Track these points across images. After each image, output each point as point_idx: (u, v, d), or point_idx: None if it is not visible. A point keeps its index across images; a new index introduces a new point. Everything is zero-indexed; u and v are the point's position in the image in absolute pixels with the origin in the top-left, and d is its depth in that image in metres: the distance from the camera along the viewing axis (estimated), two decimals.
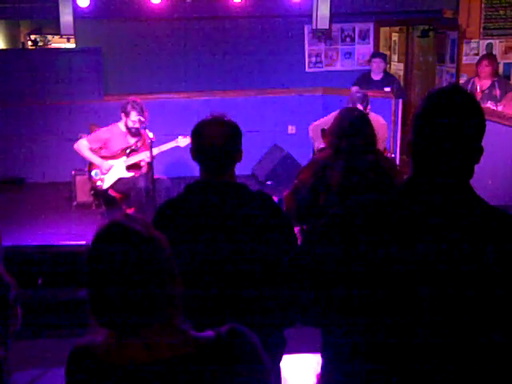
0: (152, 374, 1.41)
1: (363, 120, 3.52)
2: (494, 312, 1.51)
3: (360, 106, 5.32)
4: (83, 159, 6.10)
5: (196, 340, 1.47)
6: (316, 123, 5.81)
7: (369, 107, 5.43)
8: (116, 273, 1.41)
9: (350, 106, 5.36)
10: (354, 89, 6.08)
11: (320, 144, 5.48)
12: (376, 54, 7.99)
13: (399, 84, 8.12)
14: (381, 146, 5.34)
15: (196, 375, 1.42)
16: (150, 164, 5.58)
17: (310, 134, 5.86)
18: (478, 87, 6.83)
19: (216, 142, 2.34)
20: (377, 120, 5.54)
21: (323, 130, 5.50)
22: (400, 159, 7.26)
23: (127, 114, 5.81)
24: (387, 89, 7.55)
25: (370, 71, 7.83)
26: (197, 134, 2.40)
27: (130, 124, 5.82)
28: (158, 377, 1.41)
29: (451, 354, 1.52)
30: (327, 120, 5.29)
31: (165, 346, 1.43)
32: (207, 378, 1.43)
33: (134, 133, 5.89)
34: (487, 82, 6.87)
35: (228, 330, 1.50)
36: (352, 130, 3.40)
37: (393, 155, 6.43)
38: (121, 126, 5.94)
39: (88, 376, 1.46)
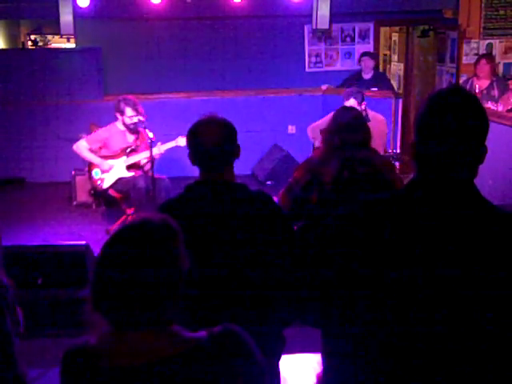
0: (146, 375, 1.41)
1: (358, 118, 3.57)
2: (498, 314, 1.51)
3: (354, 100, 5.33)
4: (83, 159, 6.11)
5: (189, 340, 1.47)
6: (315, 124, 5.82)
7: (364, 103, 5.44)
8: (130, 265, 1.42)
9: (345, 100, 5.37)
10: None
11: (320, 144, 5.49)
12: (364, 52, 8.07)
13: (388, 82, 8.18)
14: (381, 141, 5.34)
15: (190, 376, 1.42)
16: (150, 164, 5.58)
17: (309, 134, 5.88)
18: (477, 87, 6.83)
19: (214, 140, 2.34)
20: (375, 117, 5.55)
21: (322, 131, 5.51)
22: (400, 159, 7.25)
23: (122, 112, 5.81)
24: (374, 89, 7.64)
25: (360, 70, 7.98)
26: (193, 136, 2.40)
27: (128, 121, 5.81)
28: (152, 378, 1.41)
29: (452, 355, 1.52)
30: (326, 121, 5.30)
31: (159, 347, 1.43)
32: (201, 378, 1.43)
33: (133, 129, 5.88)
34: (486, 82, 6.88)
35: (221, 330, 1.50)
36: (347, 127, 3.44)
37: (396, 151, 6.41)
38: (118, 125, 5.94)
39: (83, 378, 1.46)
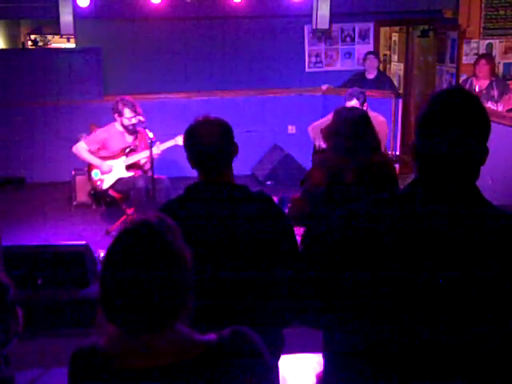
0: (156, 378, 1.41)
1: (367, 119, 3.52)
2: (499, 314, 1.51)
3: (356, 101, 5.31)
4: (83, 160, 6.10)
5: (199, 343, 1.46)
6: (315, 124, 5.80)
7: (366, 104, 5.42)
8: (137, 271, 1.41)
9: (347, 101, 5.34)
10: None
11: (321, 143, 5.48)
12: (370, 52, 8.11)
13: (391, 82, 8.21)
14: (382, 142, 5.33)
15: (200, 378, 1.42)
16: (150, 163, 5.58)
17: (310, 134, 5.87)
18: (477, 87, 6.83)
19: (212, 141, 2.35)
20: (376, 117, 5.54)
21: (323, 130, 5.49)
22: (401, 159, 7.25)
23: (121, 113, 5.81)
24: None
25: (364, 70, 7.98)
26: (191, 138, 2.40)
27: (126, 122, 5.81)
28: (162, 380, 1.41)
29: (453, 356, 1.52)
30: (327, 120, 5.28)
31: (169, 350, 1.43)
32: (211, 380, 1.42)
33: (132, 130, 5.89)
34: (485, 82, 6.88)
35: (230, 332, 1.50)
36: (359, 130, 3.40)
37: (395, 153, 6.43)
38: (117, 125, 5.94)
39: (93, 379, 1.45)
